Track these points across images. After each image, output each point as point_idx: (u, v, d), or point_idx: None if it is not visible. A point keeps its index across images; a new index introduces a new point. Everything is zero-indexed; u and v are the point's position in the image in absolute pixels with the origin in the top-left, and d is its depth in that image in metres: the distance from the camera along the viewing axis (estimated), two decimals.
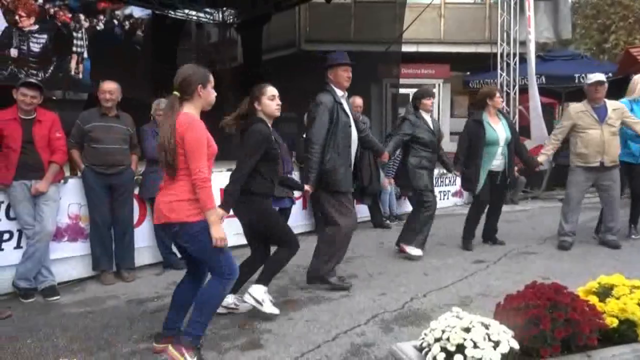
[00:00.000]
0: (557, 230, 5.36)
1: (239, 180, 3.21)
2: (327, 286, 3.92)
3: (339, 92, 3.96)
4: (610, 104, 5.09)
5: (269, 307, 3.34)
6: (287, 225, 3.58)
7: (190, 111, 2.69)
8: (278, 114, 3.44)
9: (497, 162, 5.09)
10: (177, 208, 2.62)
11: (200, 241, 2.63)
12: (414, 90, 9.76)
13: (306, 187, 3.81)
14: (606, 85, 5.09)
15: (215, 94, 2.81)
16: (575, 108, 5.24)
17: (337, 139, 3.85)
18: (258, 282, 3.42)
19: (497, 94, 5.19)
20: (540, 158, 5.34)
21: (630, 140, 5.29)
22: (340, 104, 3.91)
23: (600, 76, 5.12)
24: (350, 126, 3.94)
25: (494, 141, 5.02)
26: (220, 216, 2.73)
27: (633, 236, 5.54)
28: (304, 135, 4.49)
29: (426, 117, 4.96)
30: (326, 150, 3.81)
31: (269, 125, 3.42)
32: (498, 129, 5.07)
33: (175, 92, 2.68)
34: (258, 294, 3.35)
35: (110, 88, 4.22)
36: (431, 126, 4.95)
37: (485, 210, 5.40)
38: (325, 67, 4.01)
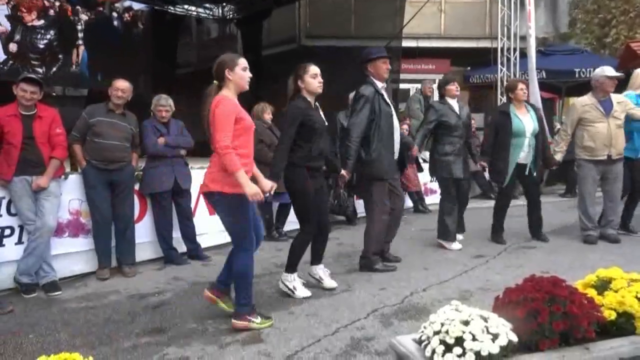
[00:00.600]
0: (580, 227, 5.31)
1: (279, 151, 3.56)
2: (376, 271, 4.24)
3: (379, 84, 4.16)
4: (615, 97, 5.12)
5: (301, 292, 3.65)
6: (315, 207, 3.63)
7: (226, 94, 2.97)
8: (320, 90, 3.61)
9: (524, 153, 5.06)
10: (216, 178, 2.95)
11: (222, 212, 3.02)
12: (415, 85, 9.74)
13: (343, 171, 4.00)
14: (615, 80, 5.13)
15: (249, 75, 3.04)
16: (581, 102, 5.23)
17: (381, 129, 4.08)
18: (285, 270, 3.73)
19: (519, 86, 5.13)
20: (557, 157, 5.31)
21: (637, 132, 5.28)
22: (382, 94, 4.13)
23: (612, 70, 5.15)
24: (392, 116, 4.17)
25: (520, 132, 5.01)
26: (270, 187, 3.26)
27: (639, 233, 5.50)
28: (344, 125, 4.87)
29: (452, 102, 4.97)
30: (371, 140, 4.07)
31: (311, 102, 3.61)
32: (525, 120, 5.05)
33: (215, 81, 3.01)
34: (288, 282, 3.68)
35: (123, 86, 4.25)
36: (457, 110, 4.95)
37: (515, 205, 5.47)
38: (364, 62, 4.23)
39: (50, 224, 3.85)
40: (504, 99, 9.62)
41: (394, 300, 3.59)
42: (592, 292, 2.09)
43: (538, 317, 1.87)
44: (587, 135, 5.09)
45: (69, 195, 4.20)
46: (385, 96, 4.18)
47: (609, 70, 5.13)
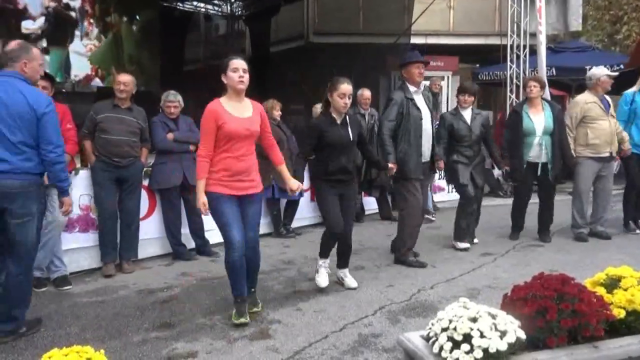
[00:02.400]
0: (572, 224, 5.32)
1: (297, 159, 4.02)
2: (409, 265, 4.37)
3: (412, 88, 4.36)
4: (607, 97, 5.19)
5: (319, 279, 3.77)
6: (332, 209, 3.71)
7: (222, 98, 3.15)
8: (344, 111, 3.71)
9: (534, 152, 4.98)
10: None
11: (212, 209, 3.11)
12: (424, 82, 9.72)
13: (390, 164, 4.15)
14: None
15: (239, 75, 3.07)
16: (584, 99, 5.21)
17: (409, 131, 4.28)
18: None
19: (529, 83, 5.08)
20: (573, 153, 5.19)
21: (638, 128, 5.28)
22: (412, 99, 4.32)
23: (607, 70, 5.21)
24: (421, 119, 4.33)
25: (529, 131, 4.96)
26: (297, 186, 3.40)
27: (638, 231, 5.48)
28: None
29: (464, 112, 4.90)
30: (399, 141, 4.29)
31: (337, 118, 3.69)
32: (536, 119, 4.97)
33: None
34: (317, 265, 3.82)
35: (125, 80, 4.27)
36: (468, 121, 4.87)
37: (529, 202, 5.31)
38: (400, 67, 4.45)
39: (60, 219, 3.88)
40: (513, 97, 9.58)
41: (402, 297, 3.60)
42: (601, 291, 2.08)
43: (546, 315, 1.87)
44: (591, 133, 5.07)
45: (79, 191, 4.23)
46: (417, 101, 4.35)
47: (604, 71, 5.19)
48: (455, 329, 1.84)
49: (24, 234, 2.90)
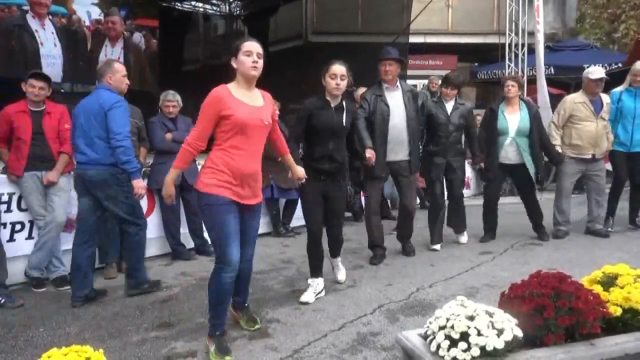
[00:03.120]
0: (553, 221, 5.34)
1: (289, 145, 3.29)
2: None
3: (384, 85, 4.35)
4: (605, 98, 5.14)
5: (303, 295, 3.54)
6: (313, 208, 3.55)
7: (230, 85, 2.73)
8: (336, 92, 3.47)
9: (504, 152, 4.97)
10: (199, 174, 2.74)
11: (205, 215, 2.70)
12: (422, 81, 9.72)
13: (367, 152, 3.99)
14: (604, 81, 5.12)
15: (252, 59, 2.67)
16: (573, 98, 5.21)
17: (374, 128, 4.24)
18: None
19: (507, 82, 5.04)
20: (559, 150, 5.19)
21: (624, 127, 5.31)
22: (380, 95, 4.32)
23: (601, 71, 5.15)
24: (388, 115, 4.27)
25: (502, 130, 4.94)
26: (303, 173, 3.22)
27: (610, 229, 5.45)
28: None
29: (446, 103, 4.80)
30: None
31: (330, 101, 3.50)
32: (511, 119, 4.94)
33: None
34: (308, 285, 3.63)
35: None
36: (448, 111, 4.77)
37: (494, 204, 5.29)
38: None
39: (60, 219, 3.89)
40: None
41: (400, 296, 3.61)
42: (598, 288, 2.09)
43: (544, 313, 1.88)
44: (575, 134, 5.08)
45: None
46: (388, 98, 4.31)
47: (593, 72, 5.14)
48: (452, 327, 1.85)
49: (116, 209, 3.60)
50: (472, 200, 7.67)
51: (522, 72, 9.71)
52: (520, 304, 1.93)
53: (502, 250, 4.85)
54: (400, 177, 4.47)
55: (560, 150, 5.17)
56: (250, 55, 2.67)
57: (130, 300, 3.64)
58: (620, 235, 5.35)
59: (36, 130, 3.85)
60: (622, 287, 2.05)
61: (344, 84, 3.45)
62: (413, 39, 11.16)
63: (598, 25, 13.05)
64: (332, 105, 3.51)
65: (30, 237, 4.00)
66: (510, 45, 9.87)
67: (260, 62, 2.74)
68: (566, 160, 5.17)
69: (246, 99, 2.68)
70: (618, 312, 1.98)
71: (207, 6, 12.53)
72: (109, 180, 3.50)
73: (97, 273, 4.25)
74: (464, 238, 5.18)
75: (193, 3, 11.99)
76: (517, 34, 9.83)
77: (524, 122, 4.92)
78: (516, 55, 9.83)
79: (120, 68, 3.66)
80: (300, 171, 3.24)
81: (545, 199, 5.85)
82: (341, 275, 3.94)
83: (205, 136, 2.66)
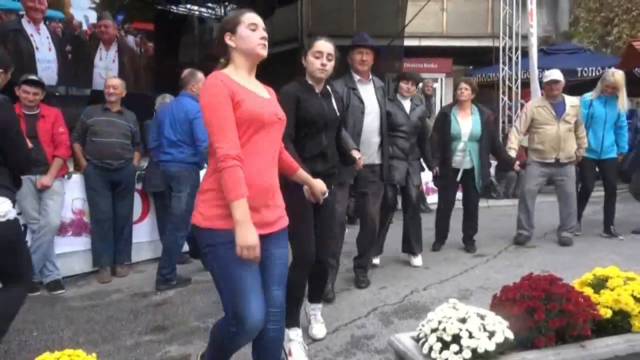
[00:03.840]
0: (516, 224, 5.27)
1: (286, 148, 2.32)
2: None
3: (357, 77, 3.73)
4: (569, 100, 5.10)
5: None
6: (305, 229, 2.65)
7: (228, 69, 1.96)
8: (321, 75, 2.76)
9: (457, 158, 4.81)
10: (204, 205, 1.89)
11: (210, 260, 1.91)
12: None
13: (354, 153, 3.13)
14: (562, 82, 5.09)
15: (261, 34, 1.98)
16: (534, 103, 5.25)
17: (346, 126, 3.50)
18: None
19: (460, 85, 4.86)
20: (511, 154, 5.14)
21: (619, 139, 5.36)
22: (354, 89, 3.68)
23: (555, 74, 5.11)
24: (363, 112, 3.65)
25: (455, 135, 4.78)
26: (324, 189, 2.29)
27: (577, 233, 5.48)
28: None
29: (403, 100, 4.36)
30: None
31: (314, 86, 2.80)
32: (463, 124, 4.79)
33: (221, 60, 2.01)
34: (285, 343, 2.49)
35: (114, 83, 4.28)
36: (407, 110, 4.35)
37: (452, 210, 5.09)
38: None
39: (54, 222, 3.89)
40: (505, 98, 9.65)
41: (394, 299, 3.62)
42: (588, 291, 2.10)
43: (534, 315, 1.89)
44: (536, 138, 5.09)
45: (72, 195, 4.24)
46: (362, 92, 3.69)
47: (547, 75, 5.17)
48: (444, 329, 1.85)
49: (178, 205, 4.00)
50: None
51: (516, 75, 9.78)
52: (512, 306, 1.94)
53: (496, 253, 4.88)
54: (368, 183, 3.79)
55: (514, 155, 5.13)
56: (256, 29, 2.00)
57: (124, 304, 3.64)
58: (615, 238, 5.37)
59: (30, 134, 3.82)
60: (612, 290, 2.06)
61: (330, 65, 2.76)
62: (408, 42, 11.21)
63: (591, 28, 13.16)
64: (317, 90, 2.81)
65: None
66: (504, 48, 9.94)
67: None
68: (530, 164, 5.17)
69: (252, 87, 1.97)
70: (608, 314, 2.00)
71: (203, 9, 12.55)
72: (187, 177, 4.02)
73: (92, 277, 4.26)
74: (417, 260, 4.54)
75: (188, 6, 12.00)
76: (511, 37, 9.91)
77: (475, 126, 4.80)
78: (510, 59, 9.90)
79: (202, 77, 4.04)
80: (321, 184, 2.38)
81: (541, 202, 5.88)
82: (319, 330, 3.01)
83: (237, 138, 1.82)
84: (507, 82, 9.77)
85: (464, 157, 4.81)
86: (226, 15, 12.65)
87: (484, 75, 11.26)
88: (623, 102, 5.34)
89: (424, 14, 11.03)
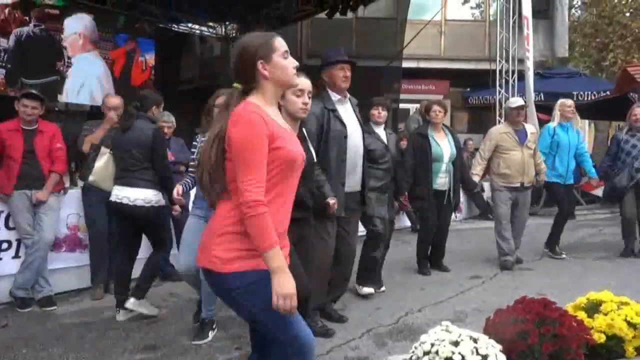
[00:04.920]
0: (498, 252, 5.23)
1: None
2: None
3: (335, 97, 3.33)
4: (529, 127, 5.32)
5: None
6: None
7: (257, 101, 1.74)
8: (302, 115, 2.61)
9: (441, 180, 4.81)
10: (209, 245, 1.72)
11: (245, 301, 1.73)
12: (414, 105, 9.82)
13: (329, 200, 3.05)
14: (526, 109, 5.35)
15: (294, 63, 1.83)
16: (498, 129, 5.35)
17: (327, 153, 3.20)
18: None
19: (433, 107, 4.85)
20: (476, 179, 5.25)
21: (561, 159, 5.49)
22: (334, 110, 3.28)
23: (521, 100, 5.38)
24: (346, 137, 3.29)
25: (438, 157, 4.78)
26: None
27: (564, 255, 5.58)
28: None
29: (377, 129, 4.17)
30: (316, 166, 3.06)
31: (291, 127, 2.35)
32: (443, 145, 4.82)
33: (235, 84, 1.79)
34: None
35: (115, 104, 4.29)
36: (384, 139, 4.17)
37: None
38: (320, 68, 3.37)
39: (48, 238, 3.87)
40: (502, 120, 9.72)
41: (389, 320, 3.59)
42: (582, 315, 2.10)
43: (528, 339, 1.89)
44: (502, 163, 5.15)
45: (67, 210, 4.22)
46: (341, 113, 3.32)
47: (512, 102, 5.37)
48: (437, 352, 1.85)
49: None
50: (464, 224, 7.70)
51: (512, 97, 9.88)
52: (505, 330, 1.93)
53: (492, 275, 4.86)
54: (352, 211, 3.48)
55: (477, 180, 5.21)
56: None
57: (116, 321, 3.60)
58: (610, 262, 5.38)
59: (28, 149, 3.85)
60: (605, 314, 2.06)
61: (309, 105, 2.63)
62: (406, 64, 11.36)
63: (587, 53, 13.37)
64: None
65: (17, 256, 3.96)
66: (500, 71, 10.06)
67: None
68: (498, 189, 5.22)
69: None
70: (602, 339, 2.00)
71: (204, 28, 12.70)
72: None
73: (85, 293, 4.22)
74: (367, 289, 4.17)
75: (189, 25, 12.14)
76: (507, 60, 10.03)
77: (452, 148, 4.86)
78: (507, 82, 10.02)
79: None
80: None
81: (539, 224, 5.89)
82: None
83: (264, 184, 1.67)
84: (503, 105, 9.86)
85: (446, 178, 4.82)
86: (239, 36, 12.80)
87: (480, 97, 11.39)
88: (579, 123, 5.68)
89: (423, 36, 11.21)
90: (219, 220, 1.72)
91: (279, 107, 2.00)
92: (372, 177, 3.95)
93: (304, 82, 2.57)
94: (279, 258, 1.62)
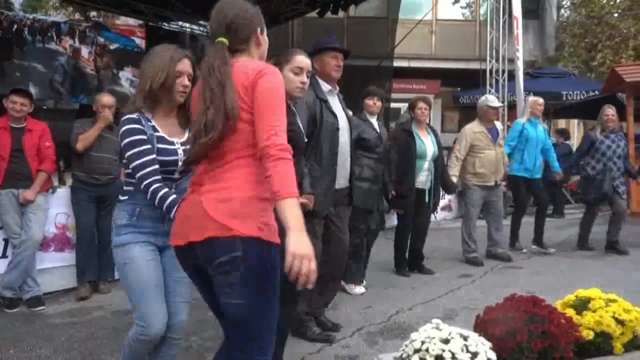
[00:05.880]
0: (463, 249, 5.32)
1: None
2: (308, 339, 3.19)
3: (326, 87, 3.15)
4: (498, 125, 5.44)
5: None
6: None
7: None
8: (299, 94, 2.57)
9: (422, 178, 4.73)
10: (248, 212, 1.55)
11: (270, 280, 1.60)
12: (406, 104, 9.85)
13: (304, 197, 2.76)
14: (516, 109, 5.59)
15: (302, 79, 2.13)
16: (472, 129, 5.35)
17: (320, 146, 3.02)
18: None
19: (418, 104, 4.74)
20: (454, 180, 5.20)
21: (529, 153, 5.63)
22: (325, 101, 3.08)
23: (498, 101, 5.57)
24: (337, 129, 3.12)
25: (421, 154, 4.69)
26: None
27: (525, 250, 5.79)
28: None
29: (371, 119, 4.17)
30: (306, 158, 2.92)
31: (290, 104, 2.50)
32: (427, 142, 4.75)
33: (222, 39, 1.68)
34: None
35: (107, 102, 4.25)
36: (377, 129, 4.16)
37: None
38: (310, 55, 3.00)
39: (35, 237, 3.83)
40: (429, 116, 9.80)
41: (380, 318, 3.60)
42: (571, 312, 2.12)
43: (517, 336, 1.90)
44: (478, 162, 5.22)
45: (55, 209, 4.18)
46: (332, 103, 3.14)
47: (492, 100, 5.44)
48: (427, 350, 1.85)
49: None
50: (454, 223, 7.73)
51: (503, 97, 9.94)
52: (494, 327, 1.94)
53: (482, 273, 4.89)
54: (342, 208, 3.32)
55: (455, 180, 5.22)
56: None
57: (105, 321, 3.57)
58: (598, 260, 5.44)
59: (16, 147, 3.80)
60: (594, 311, 2.08)
61: (307, 86, 2.59)
62: (397, 63, 11.39)
63: (576, 53, 13.48)
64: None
65: (4, 256, 3.91)
66: (491, 71, 10.11)
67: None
68: (472, 189, 5.28)
69: None
70: (590, 335, 2.01)
71: (194, 27, 12.63)
72: None
73: (73, 293, 4.18)
74: (358, 289, 4.23)
75: (180, 23, 12.08)
76: (497, 60, 10.08)
77: (435, 146, 4.81)
78: (497, 81, 10.07)
79: None
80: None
81: (525, 222, 5.94)
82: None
83: None
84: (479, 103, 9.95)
85: (427, 176, 4.78)
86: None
87: (471, 97, 11.44)
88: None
89: (413, 36, 11.24)
90: (242, 184, 1.57)
91: None
92: (365, 166, 3.94)
93: (304, 61, 2.52)
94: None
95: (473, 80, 11.10)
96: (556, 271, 4.95)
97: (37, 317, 3.66)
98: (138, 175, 2.02)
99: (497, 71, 10.07)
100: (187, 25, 12.40)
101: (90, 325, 3.50)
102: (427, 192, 4.80)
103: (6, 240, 3.90)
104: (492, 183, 5.25)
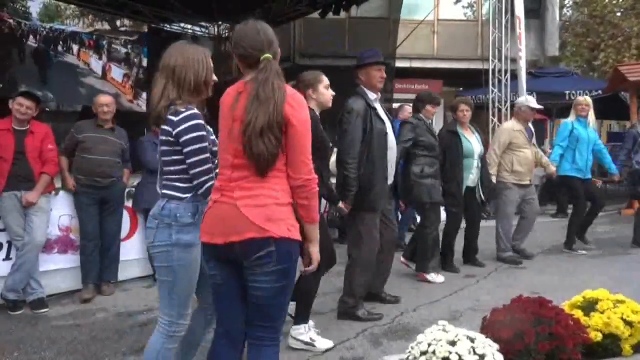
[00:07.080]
0: (497, 247, 5.32)
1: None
2: (358, 319, 3.53)
3: (372, 96, 3.54)
4: (531, 126, 5.47)
5: (322, 343, 3.05)
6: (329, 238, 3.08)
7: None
8: (330, 105, 3.19)
9: (472, 176, 4.92)
10: (279, 216, 1.82)
11: (290, 272, 1.87)
12: (405, 105, 9.79)
13: (341, 204, 3.36)
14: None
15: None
16: (511, 126, 5.38)
17: (372, 151, 3.42)
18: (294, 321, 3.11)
19: (461, 107, 4.95)
20: (493, 179, 5.20)
21: (580, 154, 5.58)
22: (374, 109, 3.50)
23: (535, 102, 5.51)
24: (386, 134, 3.53)
25: (469, 153, 4.87)
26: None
27: (581, 251, 5.69)
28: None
29: (428, 122, 4.62)
30: (361, 163, 3.39)
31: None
32: (472, 141, 4.93)
33: (268, 55, 1.88)
34: (302, 335, 3.07)
35: (107, 102, 4.25)
36: (433, 130, 4.63)
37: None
38: (355, 67, 3.62)
39: (38, 240, 3.82)
40: (495, 120, 9.76)
41: (384, 320, 3.58)
42: (578, 314, 2.10)
43: (524, 338, 1.88)
44: (516, 161, 5.21)
45: (59, 212, 4.17)
46: (380, 110, 3.55)
47: (532, 102, 5.42)
48: (434, 352, 1.84)
49: None
50: None
51: (506, 97, 9.91)
52: (502, 329, 1.93)
53: (487, 274, 4.86)
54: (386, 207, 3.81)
55: (494, 181, 5.22)
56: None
57: (109, 323, 3.56)
58: (603, 259, 5.41)
59: (19, 150, 3.80)
60: (602, 313, 2.06)
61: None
62: (400, 64, 11.36)
63: (579, 53, 13.45)
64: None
65: (8, 258, 3.91)
66: (494, 71, 10.07)
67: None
68: (510, 187, 5.25)
69: None
70: (599, 337, 1.99)
71: (196, 28, 12.64)
72: None
73: (77, 295, 4.17)
74: (440, 278, 4.64)
75: (182, 25, 12.08)
76: (500, 60, 10.04)
77: (481, 144, 4.99)
78: (499, 81, 10.03)
79: None
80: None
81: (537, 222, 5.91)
82: (326, 341, 3.15)
83: None
84: (497, 104, 9.88)
85: (477, 174, 4.95)
86: (231, 36, 12.77)
87: (474, 97, 11.36)
88: (593, 120, 5.78)
89: (415, 36, 11.21)
90: (272, 193, 1.82)
91: (305, 98, 2.50)
92: (427, 165, 4.43)
93: (326, 79, 3.16)
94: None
95: (476, 81, 11.07)
96: (561, 271, 4.93)
97: (40, 319, 3.66)
98: (198, 171, 2.07)
99: (499, 71, 10.03)
100: (189, 27, 12.40)
101: (94, 327, 3.49)
102: (476, 188, 4.98)
103: (10, 243, 3.90)
104: (528, 182, 5.25)
